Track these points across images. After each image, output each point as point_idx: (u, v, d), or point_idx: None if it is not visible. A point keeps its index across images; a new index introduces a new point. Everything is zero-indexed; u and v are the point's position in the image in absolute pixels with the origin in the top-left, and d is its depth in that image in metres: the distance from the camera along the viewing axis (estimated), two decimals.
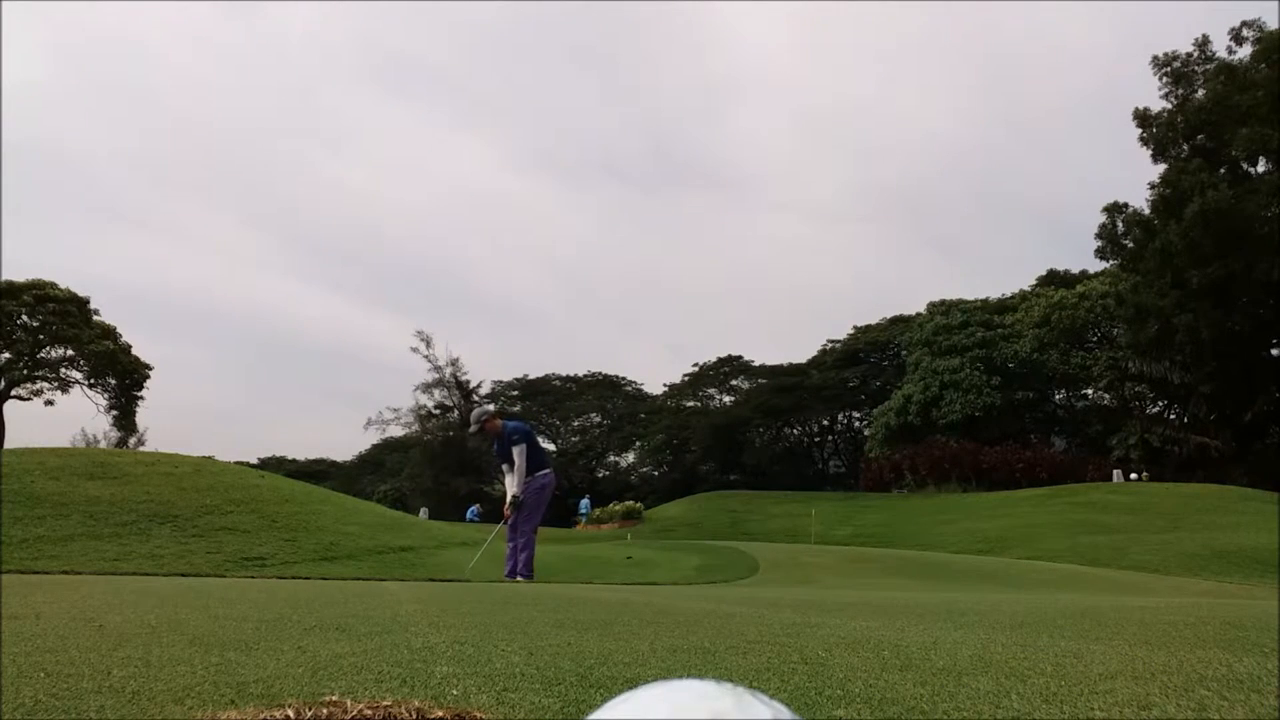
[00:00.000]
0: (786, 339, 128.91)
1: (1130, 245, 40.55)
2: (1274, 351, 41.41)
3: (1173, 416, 46.11)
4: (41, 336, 46.05)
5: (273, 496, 14.81)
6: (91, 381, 48.64)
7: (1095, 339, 49.89)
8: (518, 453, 9.31)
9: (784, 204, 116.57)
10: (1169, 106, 40.05)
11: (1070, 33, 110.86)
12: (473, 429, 9.91)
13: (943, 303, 55.70)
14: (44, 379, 47.38)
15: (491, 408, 10.06)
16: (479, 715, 1.59)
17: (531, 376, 73.84)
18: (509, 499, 9.47)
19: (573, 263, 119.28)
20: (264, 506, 14.01)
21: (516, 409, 67.21)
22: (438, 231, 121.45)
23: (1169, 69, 39.88)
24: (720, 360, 69.49)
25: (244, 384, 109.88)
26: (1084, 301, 47.84)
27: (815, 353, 65.71)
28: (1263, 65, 37.17)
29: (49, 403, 47.45)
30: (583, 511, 40.31)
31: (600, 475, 69.62)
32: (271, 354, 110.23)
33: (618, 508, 40.95)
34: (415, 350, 61.37)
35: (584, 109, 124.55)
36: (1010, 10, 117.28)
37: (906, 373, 54.55)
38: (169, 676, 2.01)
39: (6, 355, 45.96)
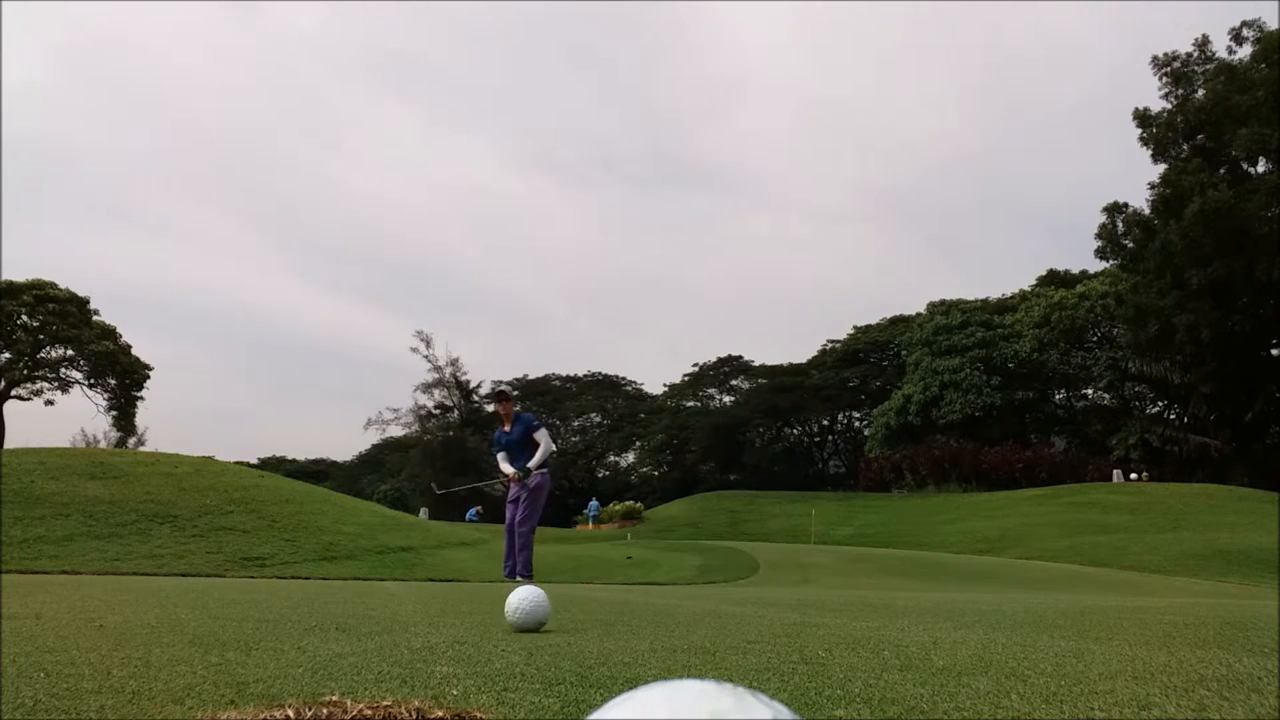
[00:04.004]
0: (786, 339, 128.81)
1: (1130, 245, 40.53)
2: (1274, 351, 41.41)
3: (1173, 416, 46.10)
4: (41, 336, 46.03)
5: (273, 496, 14.82)
6: (91, 381, 48.63)
7: (1095, 339, 49.88)
8: (543, 434, 9.61)
9: (784, 204, 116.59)
10: (1169, 106, 40.04)
11: (1070, 33, 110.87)
12: (494, 389, 10.45)
13: (943, 303, 55.69)
14: (44, 379, 47.36)
15: (513, 393, 10.45)
16: (479, 715, 1.59)
17: (531, 376, 73.86)
18: (518, 470, 9.52)
19: (573, 263, 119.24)
20: (264, 506, 14.02)
21: (516, 409, 67.05)
22: (438, 231, 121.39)
23: (1169, 69, 39.87)
24: (720, 360, 69.52)
25: (244, 384, 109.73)
26: (1084, 301, 47.83)
27: (815, 353, 65.76)
28: (1263, 65, 37.15)
29: (49, 403, 47.47)
30: (592, 514, 40.32)
31: (600, 475, 69.61)
32: (271, 354, 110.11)
33: (618, 508, 41.00)
34: (415, 350, 61.38)
35: (584, 109, 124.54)
36: (1011, 10, 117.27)
37: (906, 373, 54.55)
38: (169, 676, 2.01)
39: (6, 355, 45.94)
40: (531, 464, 9.45)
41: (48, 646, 2.47)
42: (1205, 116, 38.57)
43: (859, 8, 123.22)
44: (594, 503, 42.08)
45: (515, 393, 10.14)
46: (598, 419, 73.37)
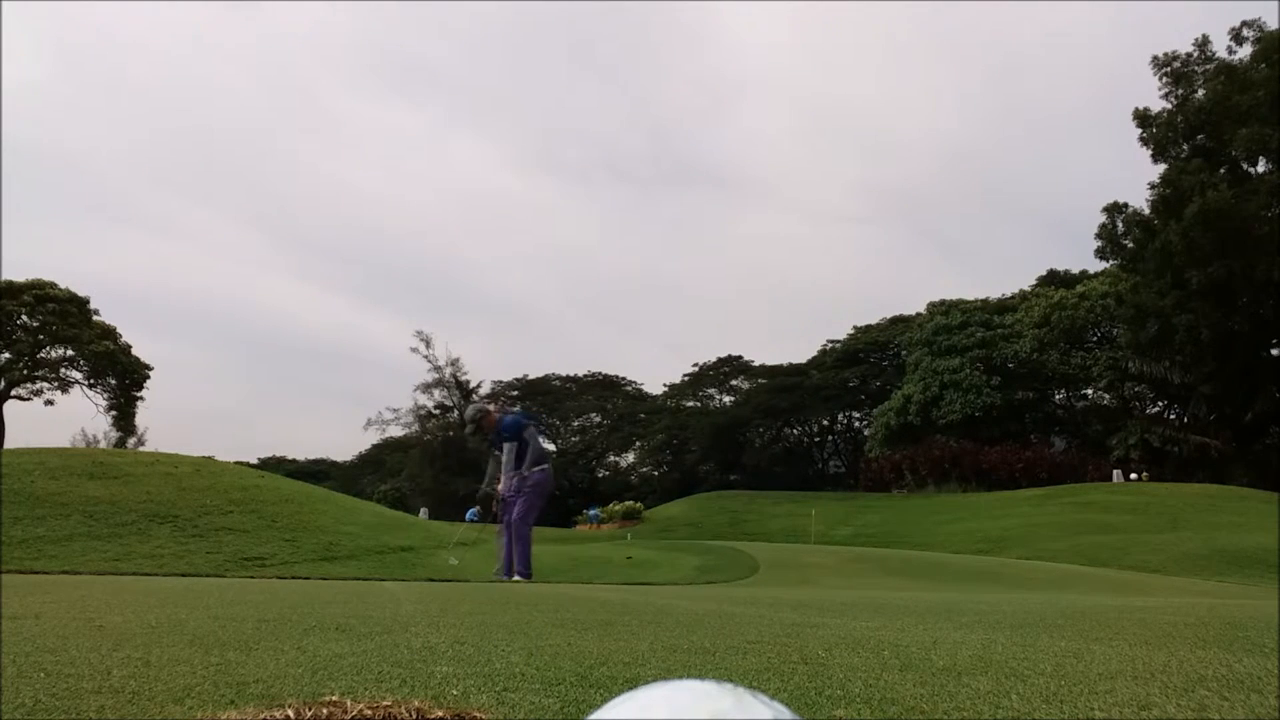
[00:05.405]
0: (786, 339, 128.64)
1: (1130, 245, 40.52)
2: (1274, 351, 41.41)
3: (1173, 416, 46.09)
4: (41, 336, 46.03)
5: (273, 496, 14.82)
6: (91, 381, 48.63)
7: (1095, 339, 49.86)
8: (530, 434, 9.52)
9: (784, 204, 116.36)
10: (1169, 106, 40.04)
11: (1071, 33, 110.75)
12: (469, 429, 10.06)
13: (943, 303, 55.66)
14: (44, 379, 47.36)
15: (491, 407, 10.10)
16: (479, 715, 1.59)
17: (531, 376, 73.83)
18: (500, 487, 9.51)
19: (573, 263, 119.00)
20: (264, 506, 14.03)
21: (516, 409, 66.94)
22: (437, 231, 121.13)
23: (1169, 69, 39.85)
24: (720, 360, 69.49)
25: (244, 384, 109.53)
26: (1084, 301, 47.81)
27: (815, 353, 65.66)
28: (1263, 65, 37.14)
29: (49, 403, 47.46)
30: (592, 516, 40.32)
31: (600, 475, 69.58)
32: (271, 354, 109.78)
33: (618, 508, 40.96)
34: (415, 350, 61.37)
35: (584, 108, 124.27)
36: (1011, 10, 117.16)
37: (906, 373, 54.52)
38: (169, 676, 2.01)
39: (6, 355, 45.93)
40: (524, 469, 9.52)
41: (48, 646, 2.47)
42: (1205, 116, 38.55)
43: (859, 7, 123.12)
44: (594, 507, 42.08)
45: (492, 406, 9.96)
46: (598, 419, 73.33)
